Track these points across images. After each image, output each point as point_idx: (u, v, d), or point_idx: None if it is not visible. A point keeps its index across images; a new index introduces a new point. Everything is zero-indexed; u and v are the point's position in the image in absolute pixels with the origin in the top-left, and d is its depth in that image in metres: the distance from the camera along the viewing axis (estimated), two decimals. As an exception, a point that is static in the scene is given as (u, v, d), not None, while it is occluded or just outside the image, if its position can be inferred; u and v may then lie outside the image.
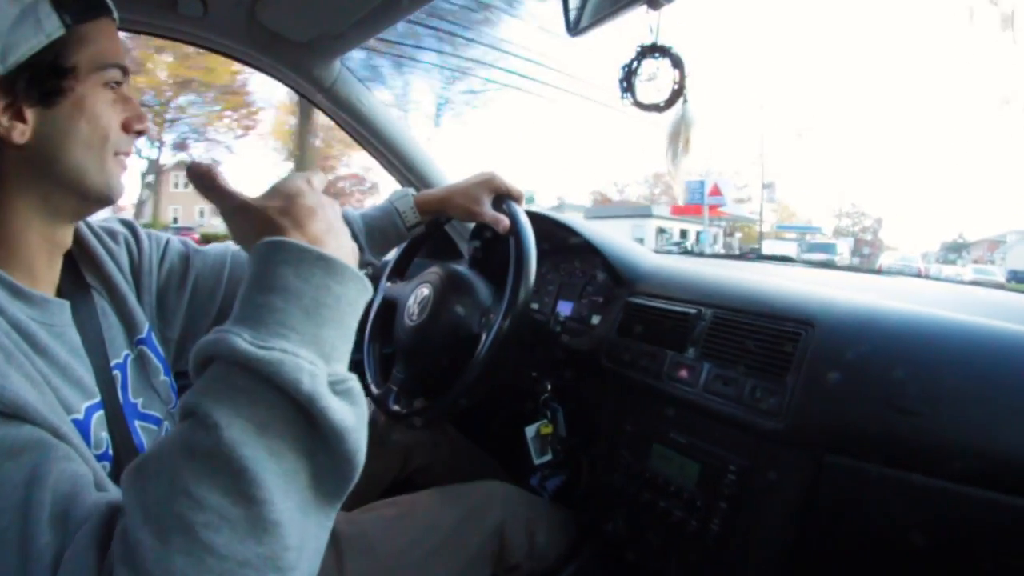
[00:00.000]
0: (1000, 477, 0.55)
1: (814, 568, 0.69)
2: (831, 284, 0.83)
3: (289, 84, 1.17)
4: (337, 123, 1.22)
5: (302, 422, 0.32)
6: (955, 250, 36.87)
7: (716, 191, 18.93)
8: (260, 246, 0.37)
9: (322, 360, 0.34)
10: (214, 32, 1.03)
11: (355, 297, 0.38)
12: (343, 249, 0.41)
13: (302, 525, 0.32)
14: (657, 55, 0.75)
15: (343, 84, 1.16)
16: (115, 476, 0.47)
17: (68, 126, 0.48)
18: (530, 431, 0.84)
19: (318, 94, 1.17)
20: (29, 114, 0.46)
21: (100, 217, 0.65)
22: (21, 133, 0.46)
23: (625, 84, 0.77)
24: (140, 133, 0.54)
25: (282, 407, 0.32)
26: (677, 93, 0.75)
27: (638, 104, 0.77)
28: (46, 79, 0.46)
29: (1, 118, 0.45)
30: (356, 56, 1.20)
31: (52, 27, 0.45)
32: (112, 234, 0.63)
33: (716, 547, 0.72)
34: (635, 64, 0.77)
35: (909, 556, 0.61)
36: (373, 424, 0.94)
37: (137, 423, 0.55)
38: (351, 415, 0.33)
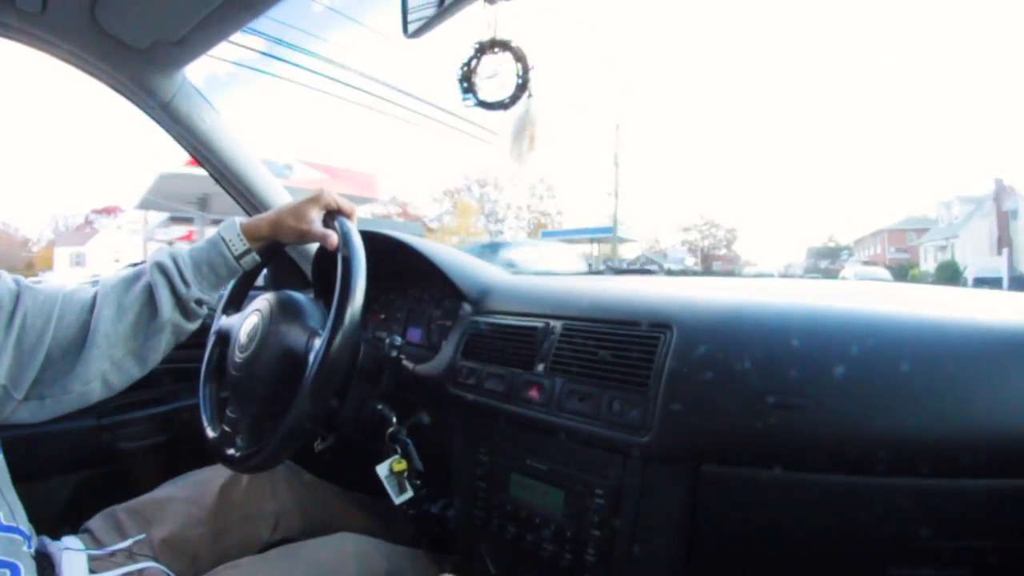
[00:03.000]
0: (897, 461, 0.53)
1: None
2: (694, 286, 0.80)
3: (129, 97, 1.08)
4: (177, 141, 1.11)
5: None
6: (827, 255, 32.00)
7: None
8: None
9: None
10: (52, 33, 0.94)
11: None
12: None
13: None
14: (497, 50, 0.71)
15: (184, 99, 1.07)
16: None
17: None
18: (382, 470, 0.74)
19: (157, 109, 1.07)
20: None
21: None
22: None
23: (465, 84, 0.72)
24: None
25: None
26: (521, 88, 0.71)
27: (482, 104, 0.73)
28: None
29: None
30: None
31: None
32: None
33: None
34: (474, 62, 0.72)
35: (806, 559, 0.58)
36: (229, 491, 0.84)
37: None
38: None
